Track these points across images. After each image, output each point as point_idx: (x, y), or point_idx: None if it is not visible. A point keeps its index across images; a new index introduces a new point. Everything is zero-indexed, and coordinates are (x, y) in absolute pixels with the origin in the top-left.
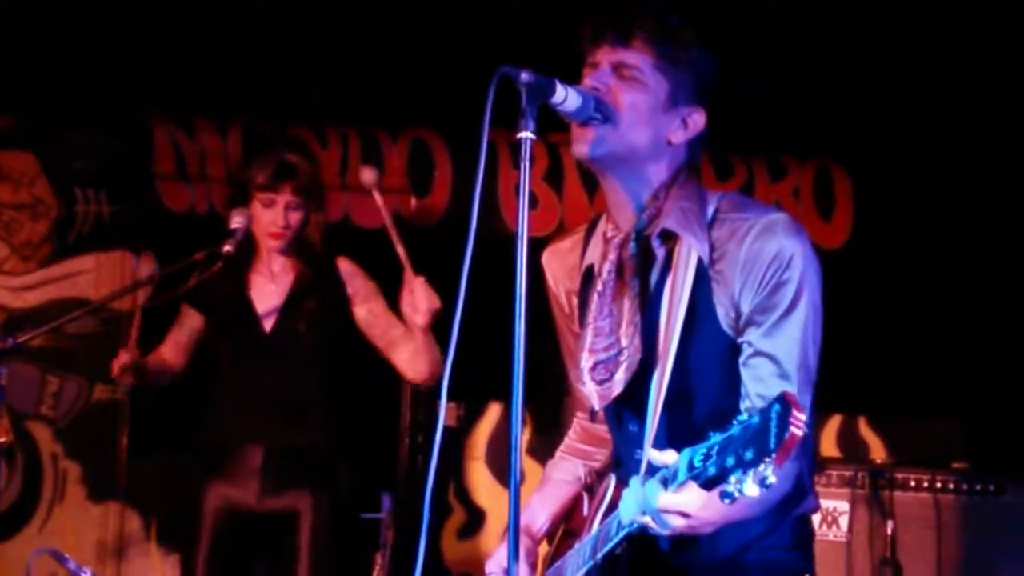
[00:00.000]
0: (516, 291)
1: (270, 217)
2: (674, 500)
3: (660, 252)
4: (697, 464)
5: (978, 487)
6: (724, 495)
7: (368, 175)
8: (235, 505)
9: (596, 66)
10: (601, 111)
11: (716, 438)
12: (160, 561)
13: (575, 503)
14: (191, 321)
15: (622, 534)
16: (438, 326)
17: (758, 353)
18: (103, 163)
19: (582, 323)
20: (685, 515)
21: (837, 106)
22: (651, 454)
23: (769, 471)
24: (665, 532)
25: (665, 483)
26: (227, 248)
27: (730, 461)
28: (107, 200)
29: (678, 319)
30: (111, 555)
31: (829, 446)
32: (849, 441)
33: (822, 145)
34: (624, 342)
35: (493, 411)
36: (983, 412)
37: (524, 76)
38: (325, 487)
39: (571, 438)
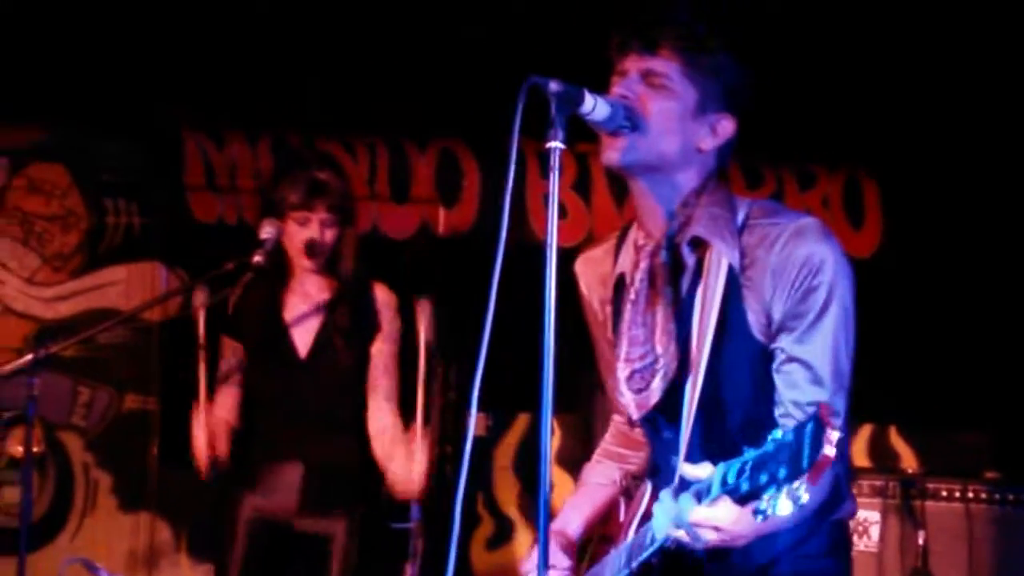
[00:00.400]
0: (545, 301)
1: (306, 235)
2: (707, 514)
3: (691, 260)
4: (731, 480)
5: (1010, 497)
6: (757, 512)
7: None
8: (271, 521)
9: (624, 74)
10: (630, 119)
11: (750, 454)
12: (190, 571)
13: (611, 507)
14: (235, 361)
15: (655, 546)
16: (469, 337)
17: (791, 359)
18: (133, 175)
19: (615, 332)
20: (718, 529)
21: (866, 115)
22: (684, 468)
23: (802, 490)
24: (698, 546)
25: (699, 497)
26: (257, 259)
27: (763, 479)
28: (137, 211)
29: (709, 327)
30: (141, 565)
31: (860, 456)
32: (880, 451)
33: (851, 154)
34: (659, 350)
35: (521, 421)
36: (1014, 422)
37: (553, 86)
38: (360, 506)
39: (607, 442)
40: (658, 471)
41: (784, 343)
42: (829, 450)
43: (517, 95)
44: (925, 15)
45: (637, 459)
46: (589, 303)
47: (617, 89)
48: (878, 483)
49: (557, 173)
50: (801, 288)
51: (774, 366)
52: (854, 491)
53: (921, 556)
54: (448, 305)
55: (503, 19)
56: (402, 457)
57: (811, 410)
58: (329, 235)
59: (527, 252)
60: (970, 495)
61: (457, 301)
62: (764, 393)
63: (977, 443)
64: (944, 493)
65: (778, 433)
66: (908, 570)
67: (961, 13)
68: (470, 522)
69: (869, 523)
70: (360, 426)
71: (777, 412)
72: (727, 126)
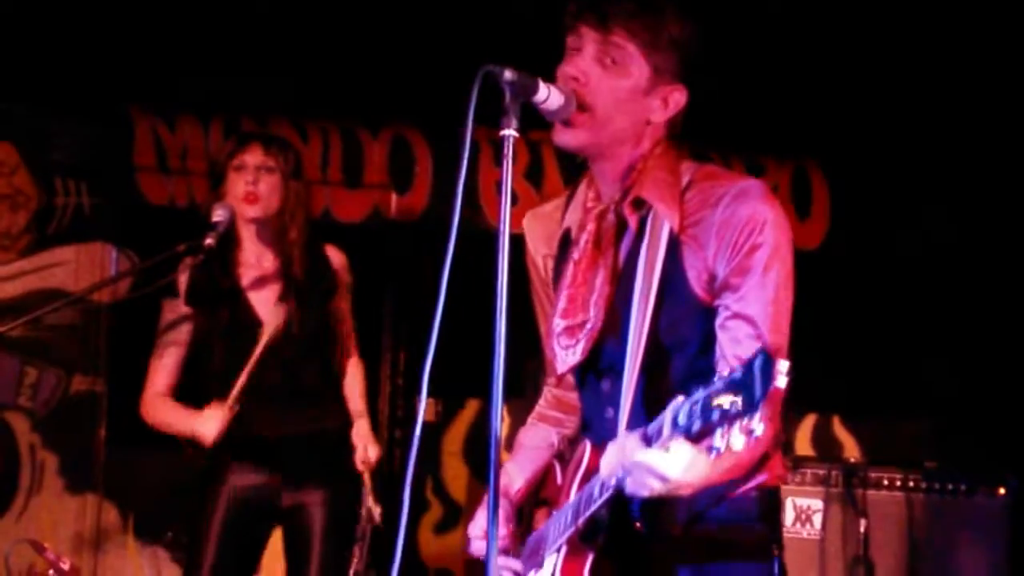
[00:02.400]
0: (497, 287)
1: (241, 180)
2: (655, 459)
3: (632, 220)
4: (682, 421)
5: (950, 486)
6: (711, 449)
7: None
8: (249, 499)
9: (579, 50)
10: (582, 105)
11: (699, 394)
12: (137, 554)
13: (547, 471)
14: (177, 321)
15: (606, 495)
16: (418, 322)
17: (735, 315)
18: (84, 155)
19: (556, 288)
20: (663, 478)
21: (816, 106)
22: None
23: (755, 422)
24: (643, 493)
25: (648, 441)
26: (209, 241)
27: (715, 415)
28: (87, 192)
29: (653, 285)
30: (88, 547)
31: (803, 445)
32: (823, 440)
33: (800, 145)
34: (592, 311)
35: (471, 407)
36: (956, 412)
37: (507, 75)
38: (339, 476)
39: (543, 406)
40: (590, 426)
41: (728, 300)
42: (781, 380)
43: (471, 83)
44: (874, 9)
45: (571, 423)
46: (533, 259)
47: (569, 68)
48: (821, 472)
49: (511, 161)
50: (745, 246)
51: (717, 322)
52: (797, 479)
53: (862, 544)
54: (398, 291)
55: (457, 5)
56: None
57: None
58: (267, 181)
59: (479, 239)
60: (911, 484)
61: (407, 286)
62: (706, 348)
63: (919, 432)
64: (885, 482)
65: (725, 371)
66: (849, 557)
67: (909, 8)
68: (419, 507)
69: (812, 511)
70: (330, 395)
71: (720, 367)
72: (679, 98)
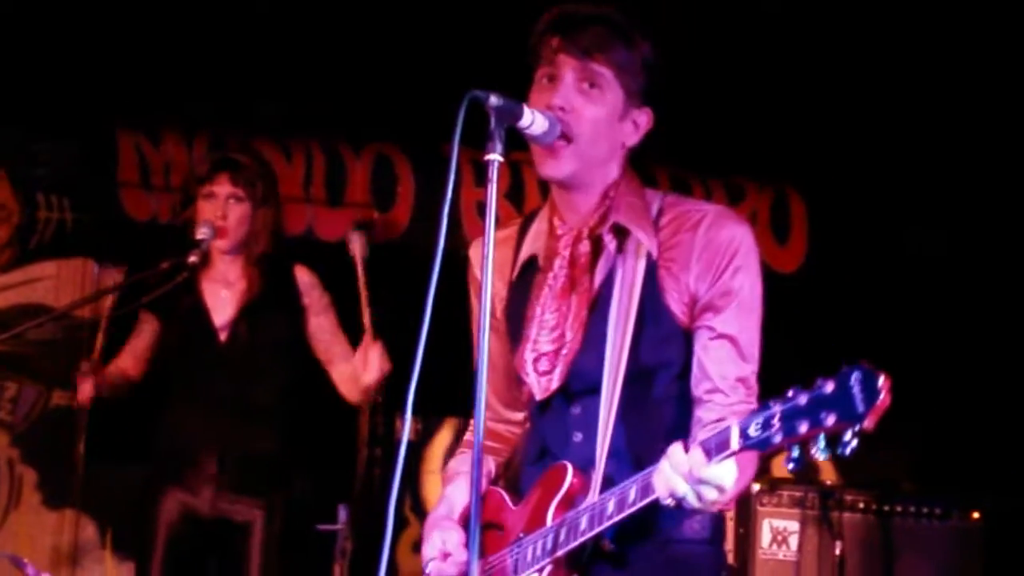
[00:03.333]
0: (483, 307)
1: (210, 211)
2: (718, 473)
3: (611, 246)
4: (754, 433)
5: (925, 510)
6: (792, 461)
7: (356, 243)
8: (190, 512)
9: (557, 79)
10: (565, 134)
11: (775, 408)
12: (115, 569)
13: (484, 498)
14: (149, 327)
15: (647, 500)
16: (398, 341)
17: (719, 336)
18: (67, 170)
19: (522, 315)
20: (722, 490)
21: (795, 132)
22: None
23: (850, 435)
24: (696, 505)
25: (708, 455)
26: (192, 259)
27: (802, 428)
28: (70, 207)
29: (632, 310)
30: (66, 562)
31: (780, 467)
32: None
33: (779, 170)
34: (568, 336)
35: (449, 426)
36: (932, 436)
37: (493, 99)
38: (279, 497)
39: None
40: (547, 453)
41: (711, 321)
42: (886, 396)
43: (453, 102)
44: (856, 36)
45: (504, 452)
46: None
47: (556, 100)
48: (797, 494)
49: (495, 185)
50: (727, 268)
51: (699, 343)
52: (774, 501)
53: (838, 566)
54: (379, 309)
55: (441, 27)
56: (344, 359)
57: (739, 385)
58: (236, 212)
59: (459, 259)
60: (886, 507)
61: (388, 305)
62: (686, 370)
63: (897, 457)
64: (861, 505)
65: (810, 386)
66: None
67: (891, 35)
68: (398, 525)
69: (788, 533)
70: (281, 418)
71: (702, 387)
72: (647, 120)
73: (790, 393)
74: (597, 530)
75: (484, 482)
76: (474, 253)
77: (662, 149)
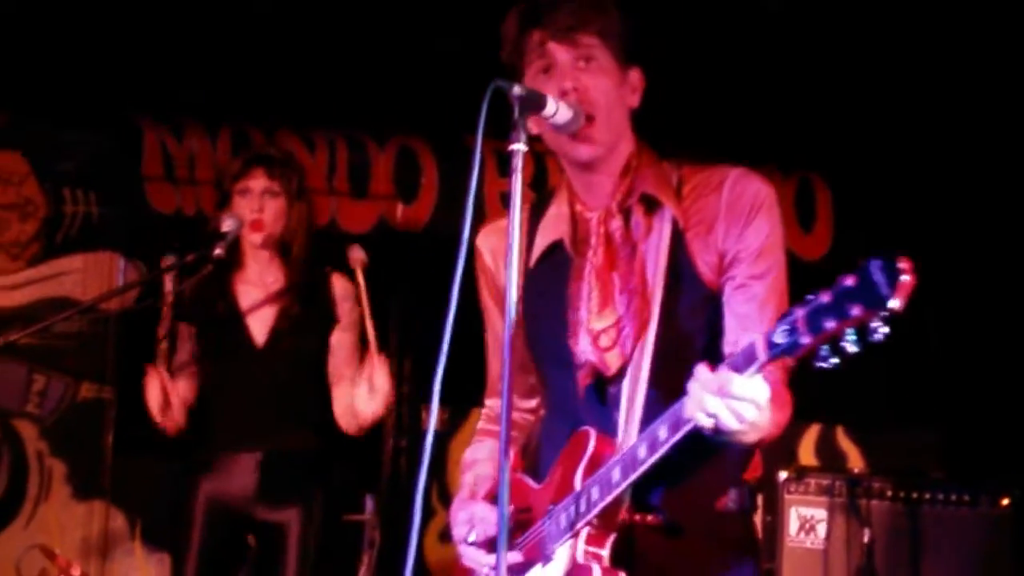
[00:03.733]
0: (508, 297)
1: (246, 205)
2: (751, 387)
3: (641, 217)
4: (780, 340)
5: (953, 497)
6: (822, 359)
7: (356, 253)
8: (227, 508)
9: (554, 65)
10: (588, 116)
11: (797, 312)
12: (144, 560)
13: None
14: (189, 344)
15: (680, 434)
16: (424, 331)
17: (747, 284)
18: (92, 164)
19: (547, 302)
20: (759, 406)
21: (820, 119)
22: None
23: (881, 322)
24: (733, 427)
25: (738, 370)
26: (218, 251)
27: (829, 324)
28: (95, 201)
29: (659, 279)
30: (95, 553)
31: (807, 455)
32: (827, 450)
33: (804, 158)
34: (621, 309)
35: (476, 416)
36: (960, 423)
37: (517, 90)
38: (317, 496)
39: (486, 424)
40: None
41: (740, 269)
42: (908, 275)
43: (476, 93)
44: (880, 24)
45: (520, 438)
46: (492, 273)
47: (565, 84)
48: (825, 482)
49: (519, 174)
50: (754, 221)
51: (729, 295)
52: (801, 489)
53: (866, 554)
54: (404, 300)
55: (465, 17)
56: (350, 384)
57: (758, 332)
58: (272, 207)
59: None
60: (914, 495)
61: (413, 296)
62: (716, 336)
63: (925, 444)
64: (889, 492)
65: (828, 287)
66: (853, 568)
67: (916, 23)
68: (425, 514)
69: (816, 521)
70: (318, 415)
71: (732, 337)
72: (639, 78)
73: (810, 296)
74: (632, 477)
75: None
76: (482, 242)
77: (686, 139)
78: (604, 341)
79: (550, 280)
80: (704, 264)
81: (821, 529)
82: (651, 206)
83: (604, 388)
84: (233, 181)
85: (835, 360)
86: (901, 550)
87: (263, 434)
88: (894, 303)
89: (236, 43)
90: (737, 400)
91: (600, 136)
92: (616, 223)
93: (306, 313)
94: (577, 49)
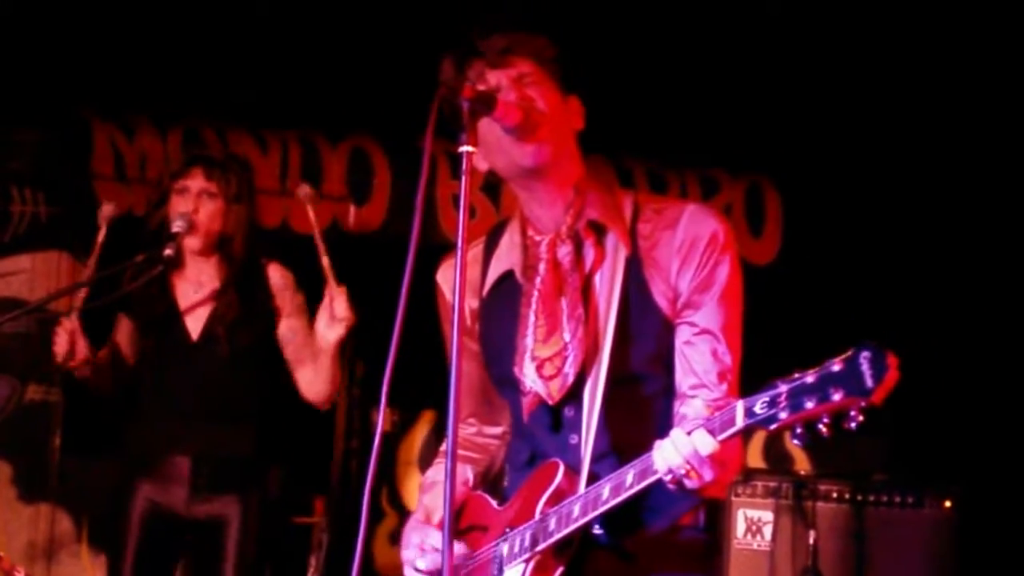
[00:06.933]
0: (455, 300)
1: (183, 205)
2: (720, 450)
3: (589, 243)
4: (759, 411)
5: (897, 498)
6: (797, 437)
7: (304, 189)
8: (163, 509)
9: (496, 89)
10: (537, 121)
11: (782, 387)
12: (90, 563)
13: (467, 502)
14: (126, 329)
15: (645, 483)
16: (375, 334)
17: (703, 331)
18: (41, 163)
19: (499, 331)
20: (724, 467)
21: (769, 123)
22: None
23: (859, 412)
24: (694, 485)
25: (713, 434)
26: (168, 252)
27: (808, 404)
28: (44, 200)
29: (613, 305)
30: (41, 556)
31: (755, 457)
32: (774, 453)
33: (754, 162)
34: (567, 336)
35: (426, 418)
36: (904, 426)
37: (467, 91)
38: (254, 493)
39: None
40: (539, 457)
41: (694, 317)
42: (894, 372)
43: (429, 96)
44: (829, 27)
45: (482, 462)
46: (452, 308)
47: (511, 97)
48: (771, 484)
49: (468, 176)
50: (709, 262)
51: (682, 339)
52: (748, 491)
53: (812, 555)
54: (355, 302)
55: (418, 19)
56: (312, 361)
57: (722, 380)
58: (208, 207)
59: (435, 252)
60: (860, 497)
61: (364, 298)
62: (669, 364)
63: (871, 448)
64: (834, 494)
65: (815, 367)
66: (799, 569)
67: (864, 25)
68: (374, 516)
69: (762, 522)
70: (256, 413)
71: (687, 383)
72: (578, 105)
73: (796, 374)
74: (591, 516)
75: (463, 489)
76: (442, 278)
77: (637, 142)
78: (548, 369)
79: (502, 308)
80: (660, 295)
81: (767, 531)
82: (600, 233)
83: (559, 412)
84: (172, 179)
85: (808, 439)
86: (847, 552)
87: (198, 433)
88: (876, 398)
89: (188, 42)
90: (705, 463)
91: (545, 139)
92: (565, 249)
93: (243, 310)
94: (513, 70)
